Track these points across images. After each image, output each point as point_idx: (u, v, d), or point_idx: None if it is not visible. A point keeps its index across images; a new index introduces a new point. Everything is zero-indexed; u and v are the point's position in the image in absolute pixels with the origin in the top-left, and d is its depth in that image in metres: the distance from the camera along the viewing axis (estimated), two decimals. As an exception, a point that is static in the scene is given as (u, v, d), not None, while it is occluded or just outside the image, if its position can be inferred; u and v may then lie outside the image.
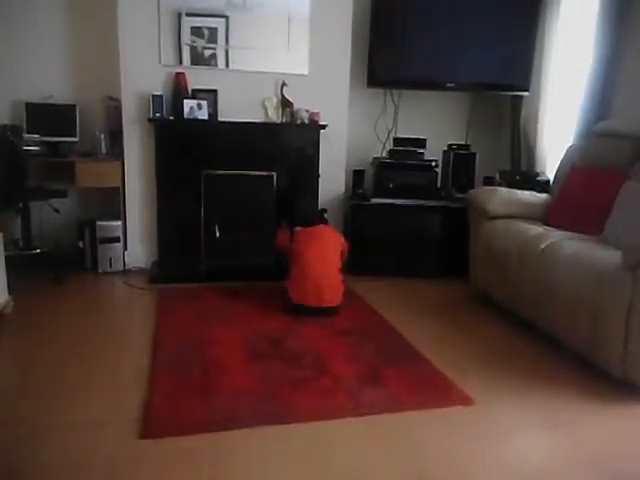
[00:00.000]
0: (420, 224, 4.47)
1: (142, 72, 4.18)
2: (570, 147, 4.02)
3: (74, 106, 4.31)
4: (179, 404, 2.36)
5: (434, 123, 5.04)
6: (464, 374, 2.77)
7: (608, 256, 2.76)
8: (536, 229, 3.45)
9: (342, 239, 3.79)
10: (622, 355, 2.59)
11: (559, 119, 4.46)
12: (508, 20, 4.57)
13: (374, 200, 4.49)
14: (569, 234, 3.30)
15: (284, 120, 4.43)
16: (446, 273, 4.40)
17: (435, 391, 2.59)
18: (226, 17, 4.26)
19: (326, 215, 4.09)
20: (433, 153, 4.75)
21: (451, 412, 2.44)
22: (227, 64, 4.33)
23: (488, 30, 4.56)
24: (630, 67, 3.88)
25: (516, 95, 4.78)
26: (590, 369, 2.81)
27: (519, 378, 2.78)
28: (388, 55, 4.58)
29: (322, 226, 3.78)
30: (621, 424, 2.40)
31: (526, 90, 4.62)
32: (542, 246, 3.19)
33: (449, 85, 4.66)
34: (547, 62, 4.48)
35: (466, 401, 2.51)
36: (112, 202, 4.35)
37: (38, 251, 4.13)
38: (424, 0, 4.53)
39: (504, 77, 4.66)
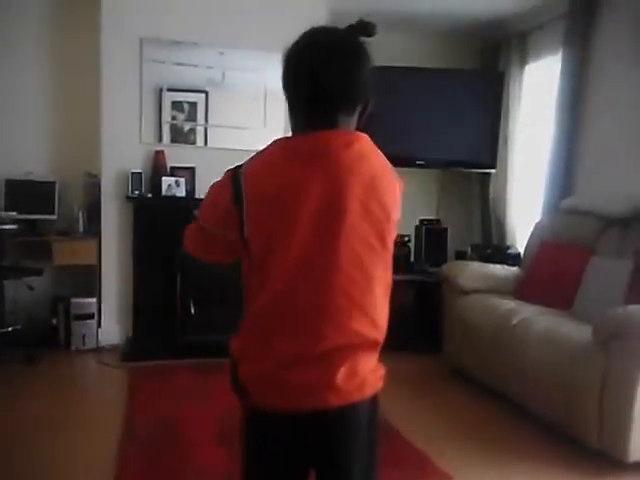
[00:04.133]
0: (394, 298, 4.49)
1: (123, 150, 4.24)
2: (538, 223, 4.15)
3: (54, 183, 4.31)
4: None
5: (405, 199, 4.99)
6: (440, 448, 2.75)
7: (579, 331, 2.84)
8: (508, 304, 3.52)
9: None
10: (598, 428, 2.62)
11: (526, 195, 4.64)
12: (474, 101, 4.80)
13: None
14: (540, 308, 3.37)
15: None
16: (420, 347, 4.36)
17: (410, 466, 2.57)
18: (206, 92, 4.41)
19: None
20: (405, 228, 4.85)
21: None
22: (205, 142, 4.45)
23: (455, 110, 4.76)
24: (588, 148, 4.07)
25: (484, 172, 4.97)
26: (566, 441, 2.82)
27: (496, 452, 2.78)
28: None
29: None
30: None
31: (493, 167, 4.80)
32: (514, 322, 3.25)
33: (418, 162, 4.80)
34: (512, 141, 4.70)
35: (443, 476, 2.49)
36: (87, 278, 4.31)
37: (10, 329, 4.03)
38: (393, 82, 4.72)
39: (471, 155, 4.85)
